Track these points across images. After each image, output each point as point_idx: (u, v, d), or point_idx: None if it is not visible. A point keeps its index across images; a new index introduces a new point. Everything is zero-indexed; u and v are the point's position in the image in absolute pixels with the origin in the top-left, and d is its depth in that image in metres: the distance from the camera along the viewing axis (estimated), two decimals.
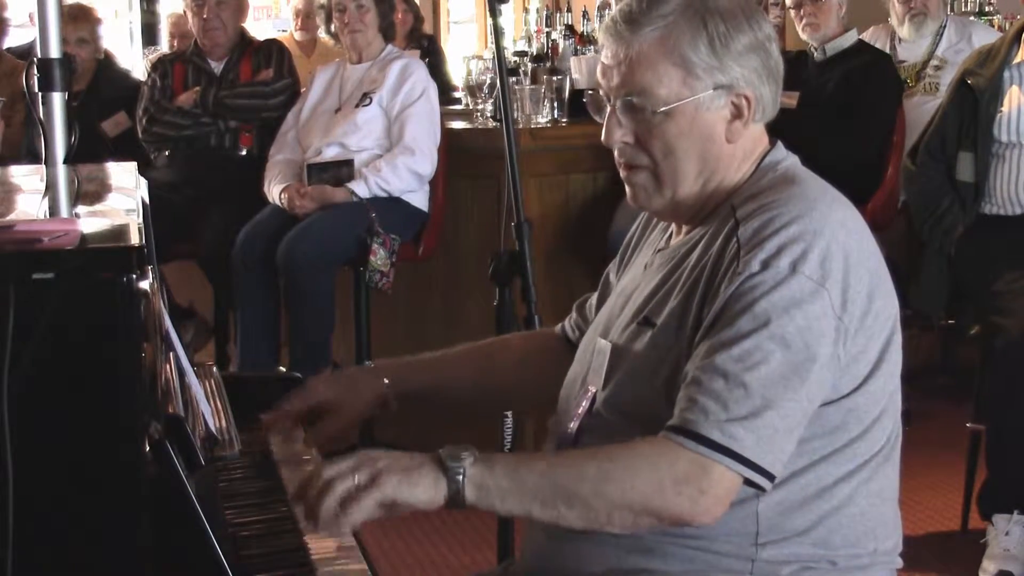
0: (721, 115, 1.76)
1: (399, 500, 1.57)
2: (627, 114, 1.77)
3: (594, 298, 2.08)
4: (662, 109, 1.74)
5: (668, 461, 1.59)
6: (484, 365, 2.14)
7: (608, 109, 1.79)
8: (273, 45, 5.24)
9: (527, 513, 1.61)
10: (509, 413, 2.92)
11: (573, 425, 1.84)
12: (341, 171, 4.56)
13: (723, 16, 1.74)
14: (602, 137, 1.81)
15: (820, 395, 1.66)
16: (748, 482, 1.61)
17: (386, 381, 2.06)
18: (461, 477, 1.57)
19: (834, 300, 1.64)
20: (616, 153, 1.82)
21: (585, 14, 6.44)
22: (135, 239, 1.52)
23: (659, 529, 1.66)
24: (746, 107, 1.76)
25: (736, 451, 1.58)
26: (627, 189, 1.84)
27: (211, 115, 4.95)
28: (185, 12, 5.43)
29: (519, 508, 1.61)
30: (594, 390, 1.83)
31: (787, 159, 1.83)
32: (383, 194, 4.52)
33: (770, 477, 1.62)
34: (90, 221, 1.76)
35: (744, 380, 1.59)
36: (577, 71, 5.14)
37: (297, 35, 7.26)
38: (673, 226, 1.89)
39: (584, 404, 1.84)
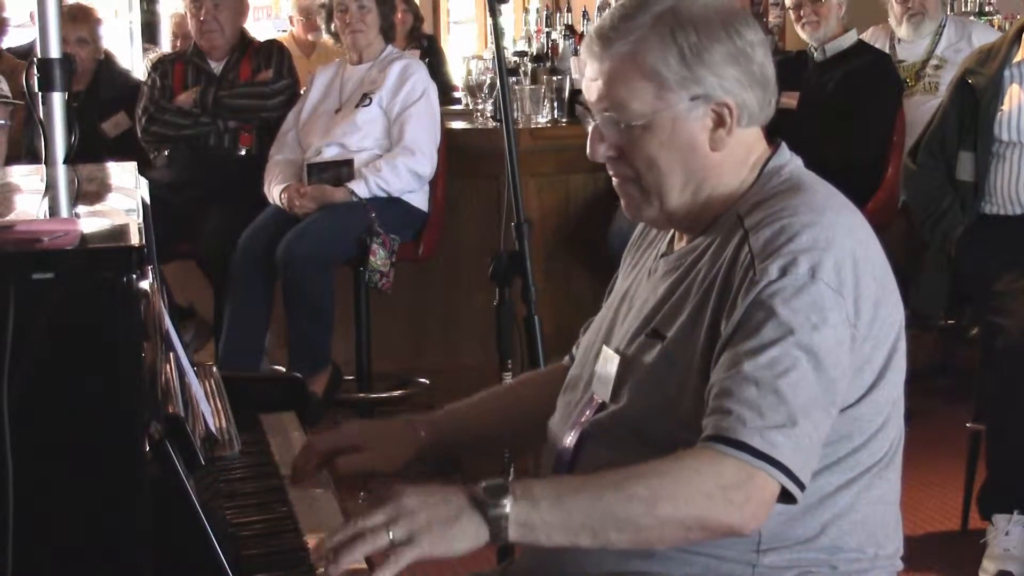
0: (702, 124, 1.75)
1: (438, 555, 1.53)
2: (608, 128, 1.77)
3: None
4: (637, 123, 1.74)
5: (715, 469, 1.57)
6: (515, 412, 2.12)
7: (592, 123, 1.80)
8: (273, 45, 5.24)
9: (574, 544, 1.56)
10: None
11: (575, 433, 1.83)
12: (341, 171, 4.56)
13: (696, 26, 1.73)
14: (587, 152, 1.81)
15: (840, 403, 1.66)
16: (783, 491, 1.60)
17: (422, 434, 2.03)
18: (504, 522, 1.53)
19: (848, 308, 1.64)
20: (607, 165, 1.82)
21: (585, 14, 6.44)
22: (135, 239, 1.51)
23: (705, 540, 1.64)
24: (728, 115, 1.75)
25: (776, 458, 1.57)
26: (621, 200, 1.85)
27: (210, 115, 4.95)
28: (185, 13, 5.43)
29: (566, 540, 1.56)
30: (600, 400, 1.82)
31: (790, 163, 1.82)
32: (383, 194, 4.52)
33: (801, 486, 1.61)
34: (90, 221, 1.75)
35: (776, 387, 1.58)
36: (577, 71, 5.14)
37: (310, 36, 7.25)
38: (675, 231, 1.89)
39: (588, 413, 1.83)
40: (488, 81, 4.88)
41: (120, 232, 1.62)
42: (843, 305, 1.64)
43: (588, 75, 1.79)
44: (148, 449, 1.46)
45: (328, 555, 1.53)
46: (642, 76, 1.73)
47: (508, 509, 1.53)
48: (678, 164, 1.76)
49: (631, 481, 1.58)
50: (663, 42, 1.72)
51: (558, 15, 6.45)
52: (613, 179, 1.83)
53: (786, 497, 1.61)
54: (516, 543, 1.57)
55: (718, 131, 1.76)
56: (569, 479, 1.71)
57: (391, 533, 1.51)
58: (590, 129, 1.80)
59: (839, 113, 4.79)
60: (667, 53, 1.72)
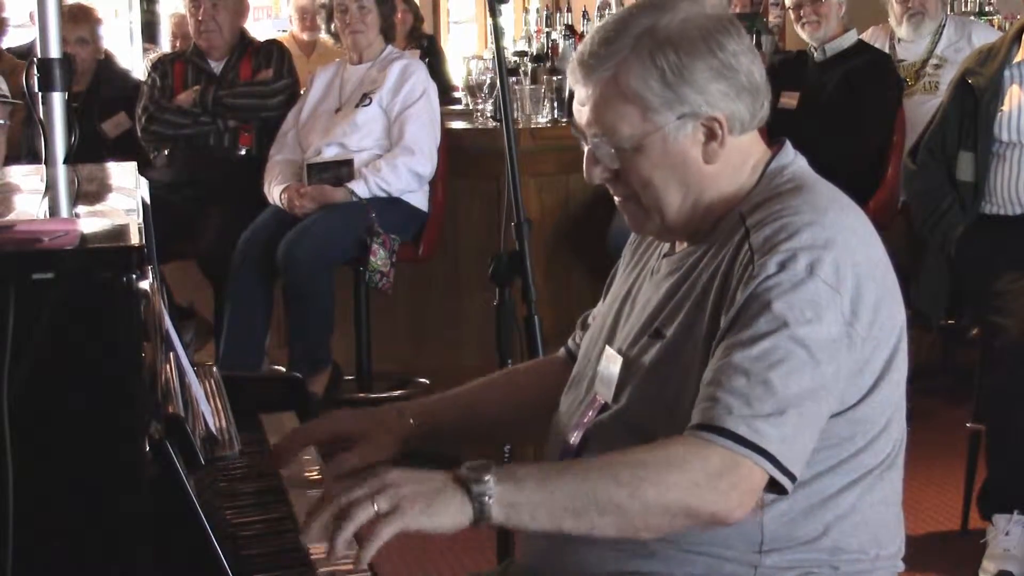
0: (693, 140, 1.75)
1: (422, 529, 1.52)
2: (601, 151, 1.77)
3: (597, 309, 2.06)
4: (627, 146, 1.75)
5: (700, 457, 1.57)
6: (503, 400, 2.12)
7: (586, 147, 1.80)
8: (273, 45, 5.24)
9: (557, 527, 1.56)
10: None
11: (578, 434, 1.83)
12: (341, 171, 4.57)
13: (676, 46, 1.72)
14: (584, 175, 1.81)
15: (834, 402, 1.65)
16: (771, 483, 1.60)
17: (412, 422, 2.02)
18: (487, 498, 1.53)
19: (845, 308, 1.64)
20: (606, 185, 1.83)
21: (585, 14, 6.44)
22: (135, 239, 1.51)
23: (691, 531, 1.64)
24: (719, 128, 1.74)
25: (762, 447, 1.57)
26: (625, 217, 1.85)
27: (210, 114, 4.95)
28: (185, 13, 5.44)
29: (550, 522, 1.56)
30: (602, 401, 1.83)
31: (794, 163, 1.81)
32: (383, 194, 4.52)
33: (792, 478, 1.61)
34: (90, 221, 1.75)
35: (765, 378, 1.58)
36: None
37: (305, 36, 7.25)
38: None
39: (591, 414, 1.83)
40: (488, 81, 4.88)
41: (120, 232, 1.62)
42: (840, 303, 1.63)
43: (576, 100, 1.80)
44: (148, 449, 1.46)
45: (315, 535, 1.52)
46: (626, 101, 1.73)
47: (491, 486, 1.53)
48: (673, 181, 1.77)
49: (616, 465, 1.58)
50: (643, 65, 1.72)
51: (558, 15, 6.45)
52: (615, 198, 1.84)
53: (777, 489, 1.61)
54: (501, 524, 1.55)
55: (710, 144, 1.75)
56: (555, 463, 1.70)
57: (375, 504, 1.51)
58: (584, 152, 1.80)
59: (839, 113, 4.80)
60: (648, 76, 1.72)
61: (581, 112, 1.78)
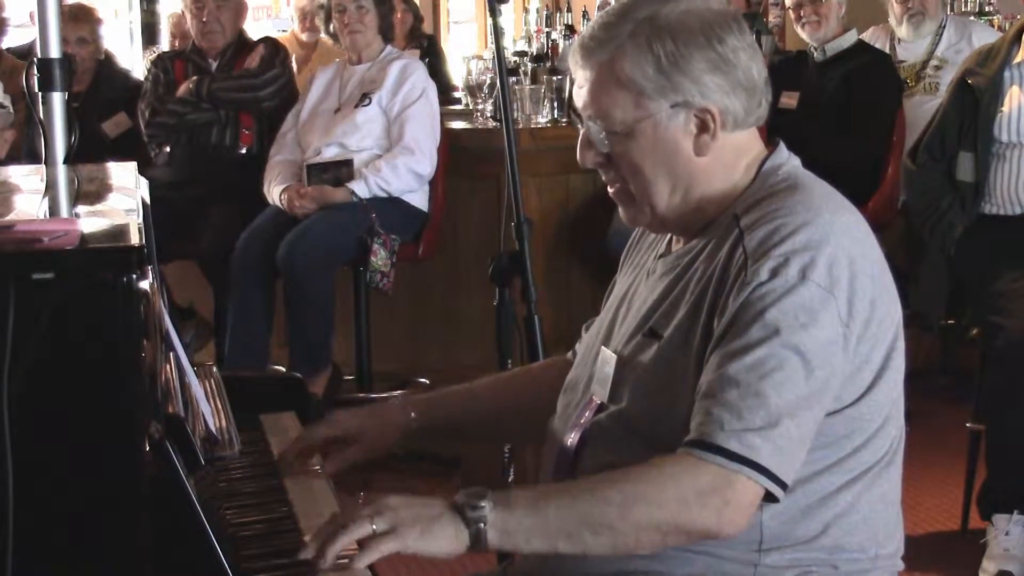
0: (685, 131, 1.75)
1: (419, 552, 1.56)
2: (594, 135, 1.79)
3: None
4: (619, 130, 1.75)
5: (690, 475, 1.58)
6: (508, 398, 2.13)
7: (582, 130, 1.81)
8: (267, 41, 5.24)
9: (553, 549, 1.58)
10: None
11: (575, 434, 1.84)
12: (341, 171, 4.57)
13: (674, 34, 1.73)
14: (577, 158, 1.82)
15: (829, 403, 1.66)
16: (766, 492, 1.60)
17: (413, 415, 2.04)
18: (483, 525, 1.56)
19: (841, 308, 1.64)
20: (599, 171, 1.84)
21: (585, 14, 6.46)
22: (135, 239, 1.52)
23: (685, 544, 1.65)
24: (711, 121, 1.75)
25: (755, 460, 1.58)
26: (618, 207, 1.86)
27: (207, 102, 4.94)
28: (184, 12, 5.44)
29: (545, 545, 1.58)
30: (599, 401, 1.83)
31: (788, 163, 1.81)
32: (383, 194, 4.52)
33: (783, 486, 1.61)
34: (90, 221, 1.76)
35: (758, 389, 1.59)
36: None
37: (305, 36, 7.25)
38: None
39: (587, 415, 1.83)
40: (488, 81, 4.89)
41: (120, 232, 1.62)
42: (834, 305, 1.63)
43: (576, 82, 1.81)
44: (148, 449, 1.46)
45: (313, 550, 1.56)
46: (620, 85, 1.74)
47: (487, 513, 1.56)
48: (662, 170, 1.77)
49: (605, 486, 1.60)
50: (639, 51, 1.73)
51: (558, 15, 6.46)
52: (608, 187, 1.84)
53: (769, 497, 1.61)
54: (497, 549, 1.59)
55: (702, 136, 1.76)
56: (547, 486, 1.72)
57: (374, 524, 1.54)
58: (580, 135, 1.82)
59: (839, 113, 4.80)
60: (643, 62, 1.73)
61: (578, 95, 1.80)
